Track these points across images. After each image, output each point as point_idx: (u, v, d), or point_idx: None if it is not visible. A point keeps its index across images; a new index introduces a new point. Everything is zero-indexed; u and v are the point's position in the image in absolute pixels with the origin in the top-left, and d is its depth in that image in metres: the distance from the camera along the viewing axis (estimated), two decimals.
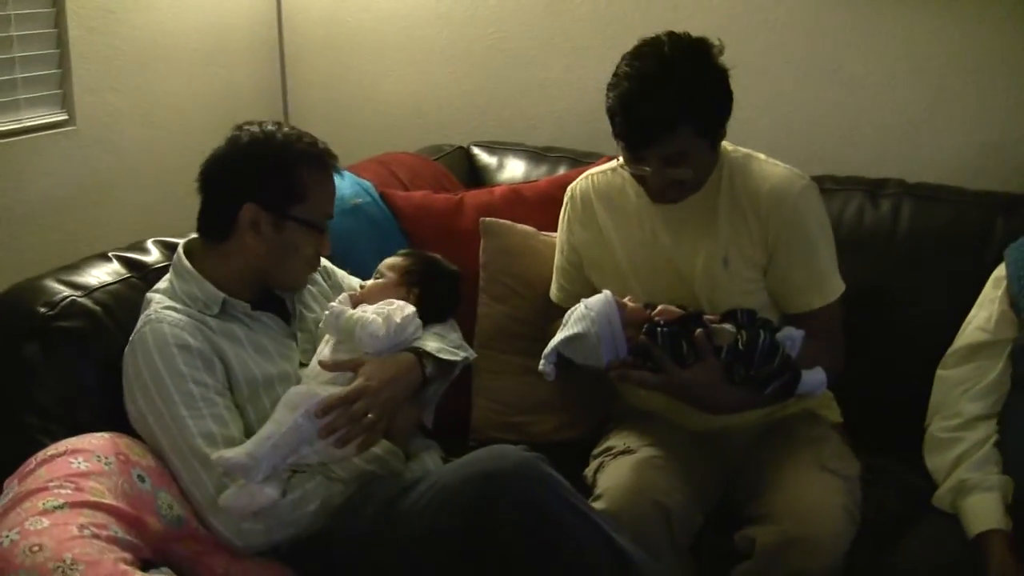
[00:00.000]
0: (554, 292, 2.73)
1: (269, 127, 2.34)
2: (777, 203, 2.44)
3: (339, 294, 2.54)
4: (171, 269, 2.36)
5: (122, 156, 3.49)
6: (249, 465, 2.06)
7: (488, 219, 2.88)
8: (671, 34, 2.37)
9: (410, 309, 2.43)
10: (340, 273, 2.65)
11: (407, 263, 2.56)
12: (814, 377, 2.36)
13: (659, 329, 2.32)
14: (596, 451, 2.55)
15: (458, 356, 2.48)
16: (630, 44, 2.45)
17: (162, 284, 2.34)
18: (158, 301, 2.28)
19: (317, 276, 2.54)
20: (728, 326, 2.35)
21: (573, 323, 2.33)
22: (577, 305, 2.36)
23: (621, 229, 2.57)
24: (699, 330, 2.31)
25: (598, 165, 3.09)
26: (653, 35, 2.38)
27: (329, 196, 2.38)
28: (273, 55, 3.97)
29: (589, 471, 2.49)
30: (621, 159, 2.44)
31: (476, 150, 3.54)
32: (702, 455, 2.51)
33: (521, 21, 3.63)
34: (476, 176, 3.47)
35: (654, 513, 2.26)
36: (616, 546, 2.08)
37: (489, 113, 3.74)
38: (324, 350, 2.37)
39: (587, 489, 2.41)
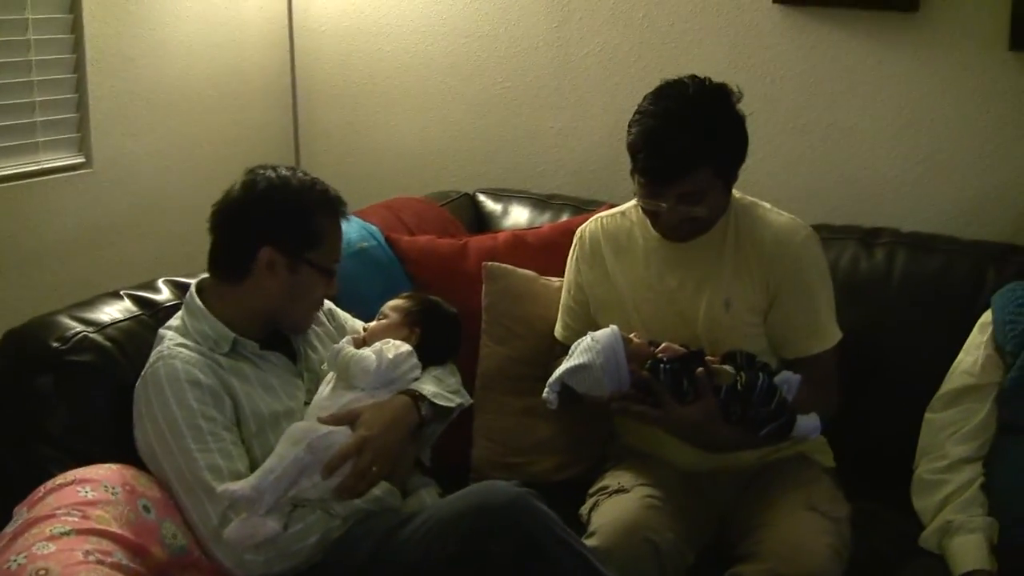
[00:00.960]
0: (559, 330, 2.77)
1: (284, 172, 2.39)
2: (779, 251, 2.50)
3: (342, 335, 2.60)
4: (184, 307, 2.41)
5: (137, 198, 3.55)
6: (253, 497, 2.12)
7: (491, 263, 2.92)
8: (694, 77, 2.45)
9: (405, 347, 2.48)
10: (343, 315, 2.70)
11: (409, 304, 2.61)
12: (809, 423, 2.40)
13: (662, 365, 2.37)
14: (592, 490, 2.57)
15: (453, 402, 2.52)
16: (632, 96, 2.52)
17: (175, 321, 2.39)
18: (171, 338, 2.33)
19: (322, 317, 2.59)
20: (728, 367, 2.40)
21: (579, 353, 2.39)
22: (584, 337, 2.42)
23: (627, 270, 2.62)
24: (700, 368, 2.36)
25: (603, 210, 3.16)
26: (675, 78, 2.46)
27: (339, 242, 2.44)
28: (286, 102, 4.03)
29: (584, 509, 2.52)
30: (636, 194, 2.49)
31: (482, 197, 3.58)
32: (695, 495, 2.53)
33: (528, 72, 3.69)
34: (481, 222, 3.51)
35: (645, 550, 2.29)
36: None
37: (495, 161, 3.79)
38: (324, 390, 2.42)
39: (582, 527, 2.44)
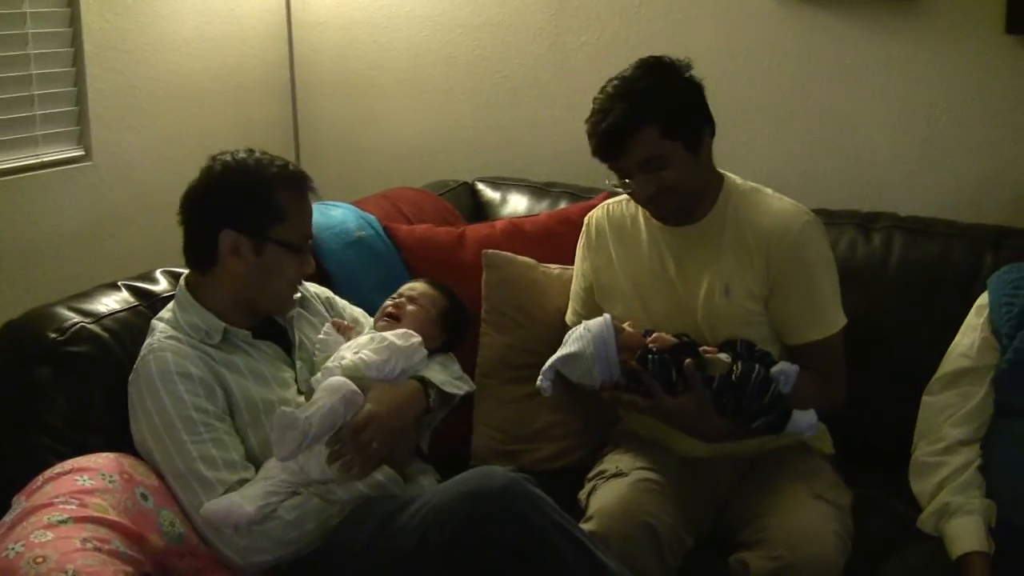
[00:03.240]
0: (569, 317, 2.79)
1: (241, 154, 2.38)
2: (779, 237, 2.49)
3: None
4: (174, 300, 2.42)
5: (136, 191, 3.55)
6: (305, 429, 2.18)
7: (490, 251, 2.92)
8: (643, 58, 2.51)
9: (416, 338, 2.50)
10: (342, 303, 2.70)
11: (445, 304, 2.66)
12: (805, 419, 2.40)
13: (651, 356, 2.38)
14: (590, 474, 2.59)
15: (461, 390, 2.56)
16: None
17: (166, 314, 2.40)
18: (161, 331, 2.34)
19: (319, 307, 2.61)
20: (723, 356, 2.40)
21: (572, 342, 2.41)
22: (578, 326, 2.44)
23: (630, 257, 2.63)
24: (688, 360, 2.36)
25: (598, 199, 3.16)
26: None
27: (306, 216, 2.41)
28: (285, 94, 4.04)
29: (583, 494, 2.53)
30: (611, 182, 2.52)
31: (480, 186, 3.59)
32: (694, 481, 2.54)
33: (525, 62, 3.70)
34: (480, 211, 3.52)
35: (642, 534, 2.30)
36: (598, 562, 2.12)
37: (493, 150, 3.80)
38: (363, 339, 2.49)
39: (581, 511, 2.45)
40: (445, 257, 3.03)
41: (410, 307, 2.59)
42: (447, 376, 2.54)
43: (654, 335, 2.43)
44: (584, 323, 2.43)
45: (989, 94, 3.06)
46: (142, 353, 2.31)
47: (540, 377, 2.42)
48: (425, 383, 2.46)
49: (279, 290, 2.42)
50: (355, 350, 2.44)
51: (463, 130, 3.86)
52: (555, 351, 2.75)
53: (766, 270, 2.50)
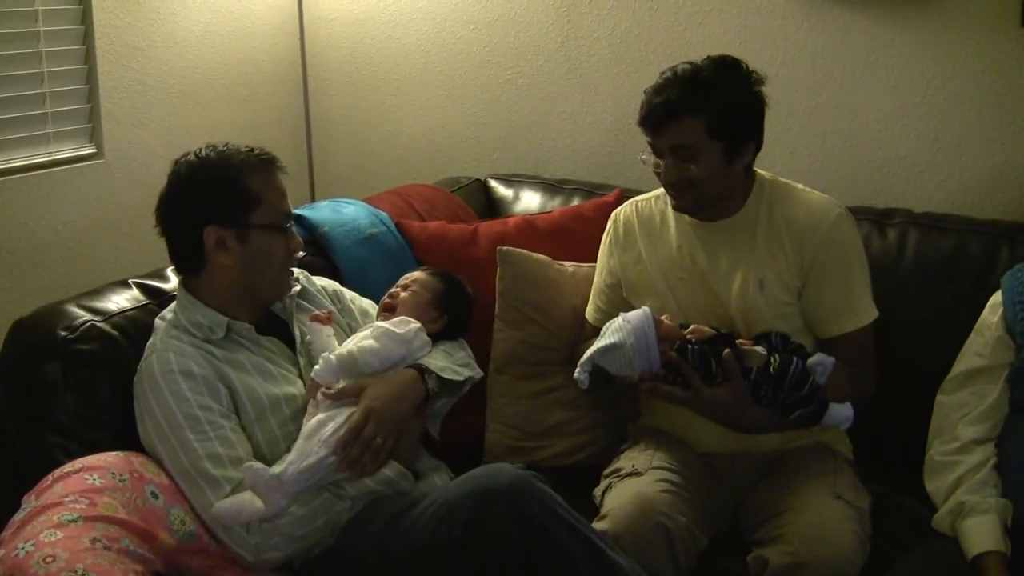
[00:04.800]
0: (590, 313, 2.79)
1: (203, 151, 2.37)
2: (813, 229, 2.52)
3: (349, 316, 2.62)
4: (176, 300, 2.41)
5: (148, 188, 3.45)
6: (273, 485, 2.15)
7: (505, 248, 2.92)
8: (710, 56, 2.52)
9: (414, 324, 2.49)
10: (350, 295, 2.70)
11: (440, 286, 2.63)
12: (841, 412, 2.41)
13: (691, 347, 2.39)
14: (606, 471, 2.59)
15: (462, 375, 2.52)
16: (641, 80, 2.54)
17: (168, 314, 2.40)
18: (164, 330, 2.34)
19: (325, 300, 2.60)
20: (760, 348, 2.41)
21: (611, 334, 2.40)
22: (616, 318, 2.43)
23: (660, 252, 2.64)
24: (727, 350, 2.37)
25: (611, 196, 3.16)
26: None
27: (281, 195, 2.39)
28: (297, 90, 4.04)
29: (598, 491, 2.54)
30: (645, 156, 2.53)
31: (493, 182, 3.59)
32: (712, 480, 2.54)
33: (537, 58, 3.68)
34: (493, 208, 3.52)
35: (656, 535, 2.29)
36: (609, 561, 2.12)
37: (506, 147, 3.79)
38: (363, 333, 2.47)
39: (595, 509, 2.45)
40: (458, 254, 3.03)
41: (404, 295, 2.59)
42: (447, 363, 2.51)
43: (692, 327, 2.45)
44: (622, 315, 2.43)
45: (1003, 88, 3.03)
46: (145, 354, 2.32)
47: (578, 369, 2.42)
48: (422, 370, 2.43)
49: (272, 275, 2.42)
50: (354, 341, 2.44)
51: (475, 126, 3.85)
52: (568, 347, 2.76)
53: (800, 262, 2.52)
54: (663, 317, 2.45)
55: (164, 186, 2.39)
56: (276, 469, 2.17)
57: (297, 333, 2.48)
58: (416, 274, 2.67)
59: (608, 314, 2.66)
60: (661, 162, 2.49)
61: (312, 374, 2.37)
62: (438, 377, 2.44)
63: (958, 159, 3.12)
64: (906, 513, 2.51)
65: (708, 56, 2.51)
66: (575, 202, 3.34)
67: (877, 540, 2.38)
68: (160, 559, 2.02)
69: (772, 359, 2.38)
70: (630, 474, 2.49)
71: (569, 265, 2.94)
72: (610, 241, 2.76)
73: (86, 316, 2.41)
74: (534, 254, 2.94)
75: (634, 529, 2.30)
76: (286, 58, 4.00)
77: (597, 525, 2.35)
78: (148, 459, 2.20)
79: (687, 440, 2.60)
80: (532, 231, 3.10)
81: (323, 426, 2.26)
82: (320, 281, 2.66)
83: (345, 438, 2.24)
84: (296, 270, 2.52)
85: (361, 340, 2.43)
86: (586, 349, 2.47)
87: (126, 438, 2.25)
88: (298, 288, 2.53)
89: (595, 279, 2.80)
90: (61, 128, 3.31)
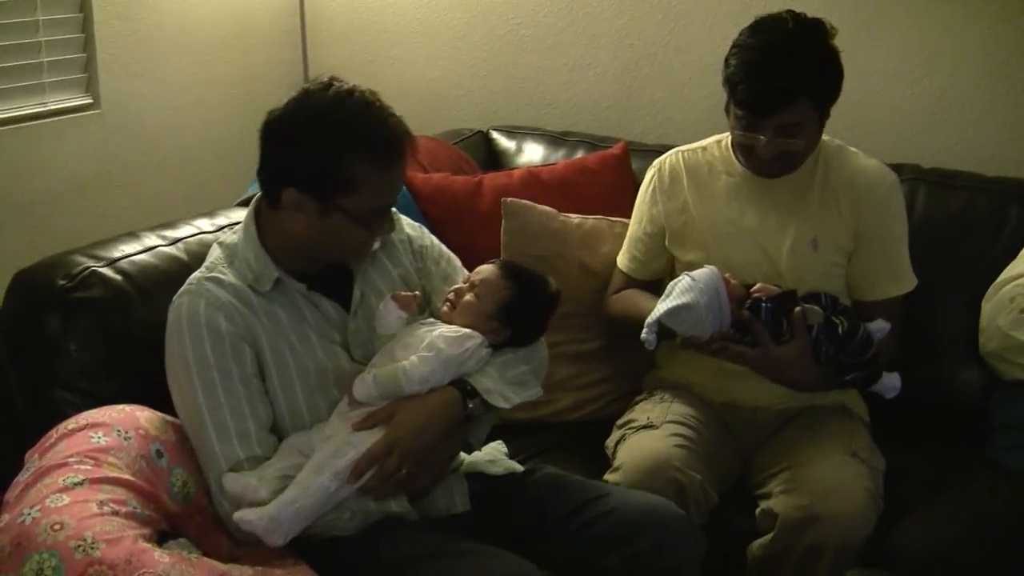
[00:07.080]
0: (624, 263, 2.76)
1: (342, 93, 2.07)
2: (870, 193, 2.54)
3: (424, 279, 2.35)
4: (242, 224, 2.21)
5: (146, 140, 3.52)
6: (270, 528, 1.96)
7: (510, 200, 2.89)
8: (791, 11, 2.44)
9: (472, 342, 2.17)
10: (437, 250, 2.40)
11: (508, 292, 2.24)
12: (891, 381, 2.43)
13: (763, 304, 2.37)
14: (620, 421, 2.59)
15: (509, 403, 2.19)
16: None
17: (231, 237, 2.21)
18: (213, 263, 2.17)
19: (404, 256, 2.34)
20: (816, 307, 2.41)
21: (679, 294, 2.34)
22: (680, 277, 2.38)
23: (707, 205, 2.62)
24: (797, 308, 2.36)
25: (617, 148, 3.13)
26: (771, 13, 2.46)
27: (384, 191, 2.13)
28: (295, 41, 3.99)
29: (611, 442, 2.54)
30: (732, 128, 2.48)
31: (495, 134, 3.56)
32: (725, 435, 2.55)
33: (540, 7, 3.64)
34: (495, 160, 3.49)
35: (669, 490, 2.28)
36: None
37: (508, 98, 3.75)
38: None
39: (606, 461, 2.45)
40: (462, 206, 3.00)
41: (467, 296, 2.24)
42: (498, 383, 2.18)
43: (758, 285, 2.42)
44: (686, 274, 2.37)
45: (1012, 43, 3.00)
46: (186, 283, 2.14)
47: (644, 330, 2.35)
48: (465, 391, 2.15)
49: (343, 253, 2.20)
50: (405, 352, 2.15)
51: (476, 78, 3.81)
52: (574, 299, 2.72)
53: (856, 224, 2.53)
54: (726, 275, 2.39)
55: (287, 102, 2.11)
56: (272, 510, 1.97)
57: (358, 293, 2.23)
58: (488, 271, 2.28)
59: (644, 264, 2.67)
60: (757, 135, 2.42)
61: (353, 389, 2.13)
62: (482, 400, 2.16)
63: (967, 115, 3.10)
64: (913, 474, 2.51)
65: (790, 16, 2.41)
66: (579, 154, 3.31)
67: (887, 502, 2.37)
68: (165, 519, 1.98)
69: (839, 321, 2.38)
70: (644, 427, 2.49)
71: (575, 217, 2.92)
72: (653, 189, 2.71)
73: (88, 263, 2.32)
74: (539, 206, 2.91)
75: (647, 483, 2.29)
76: (284, 8, 3.95)
77: (609, 477, 2.36)
78: (154, 414, 2.11)
79: (707, 390, 2.60)
80: (537, 183, 3.07)
81: (338, 458, 2.04)
82: (408, 226, 2.39)
83: (362, 467, 2.03)
84: None
85: (412, 355, 2.13)
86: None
87: (134, 388, 2.17)
88: (378, 243, 2.26)
89: (631, 227, 2.77)
90: (56, 78, 3.26)
